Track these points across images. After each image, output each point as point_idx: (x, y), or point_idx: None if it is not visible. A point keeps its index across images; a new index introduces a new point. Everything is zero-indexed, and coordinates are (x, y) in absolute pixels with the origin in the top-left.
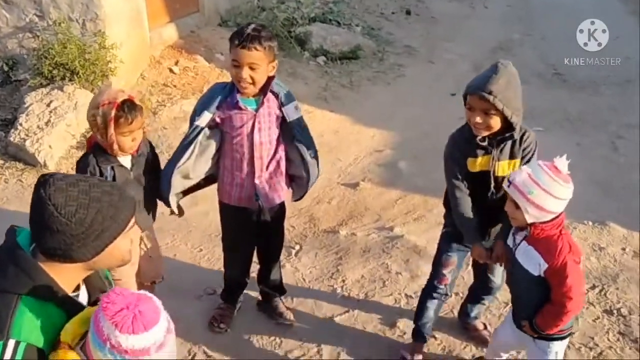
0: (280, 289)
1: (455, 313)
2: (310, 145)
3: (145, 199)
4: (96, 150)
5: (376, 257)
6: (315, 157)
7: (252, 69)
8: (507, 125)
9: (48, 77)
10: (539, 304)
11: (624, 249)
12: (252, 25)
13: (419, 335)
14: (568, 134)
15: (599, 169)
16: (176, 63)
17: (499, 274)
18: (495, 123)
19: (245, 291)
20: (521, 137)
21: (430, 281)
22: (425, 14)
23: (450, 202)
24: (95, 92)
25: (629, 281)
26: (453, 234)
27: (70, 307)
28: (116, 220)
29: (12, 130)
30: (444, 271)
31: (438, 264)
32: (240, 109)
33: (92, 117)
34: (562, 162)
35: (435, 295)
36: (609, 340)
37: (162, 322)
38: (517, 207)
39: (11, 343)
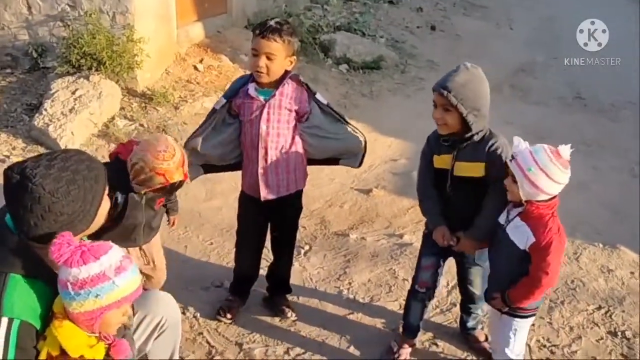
0: (285, 286)
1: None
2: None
3: (152, 222)
4: (116, 168)
5: (384, 263)
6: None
7: (269, 59)
8: (467, 126)
9: (75, 66)
10: (516, 279)
11: (632, 273)
12: (276, 19)
13: (407, 331)
14: (585, 157)
15: (614, 193)
16: (201, 61)
17: (477, 285)
18: (453, 120)
19: (254, 287)
20: (487, 141)
21: (412, 284)
22: (450, 31)
23: (418, 193)
24: (122, 85)
25: (635, 305)
26: (430, 235)
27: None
28: (98, 182)
29: (37, 114)
30: (423, 275)
31: (418, 268)
32: (252, 98)
33: (141, 162)
34: (565, 149)
35: (417, 298)
36: None
37: (114, 251)
38: (514, 180)
39: (4, 320)
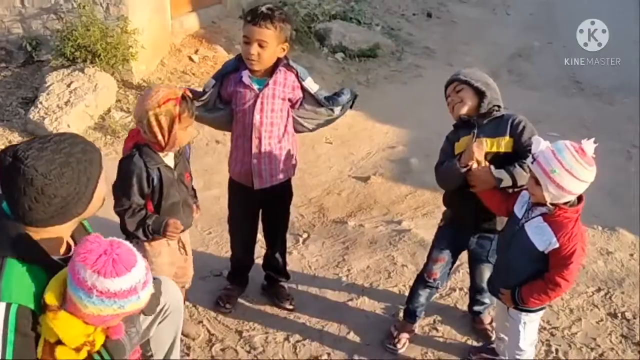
0: (283, 273)
1: (459, 307)
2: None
3: (187, 198)
4: (141, 151)
5: (383, 249)
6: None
7: (261, 46)
8: (481, 101)
9: (70, 59)
10: (528, 278)
11: (631, 255)
12: (268, 5)
13: (408, 316)
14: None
15: (612, 176)
16: (196, 52)
17: (485, 277)
18: (467, 94)
19: (252, 274)
20: (508, 118)
21: (422, 273)
22: (446, 17)
23: (438, 179)
24: (118, 77)
25: (634, 286)
26: (447, 230)
27: (57, 269)
28: (93, 165)
29: (32, 108)
30: (433, 266)
31: (429, 258)
32: (245, 86)
33: (153, 119)
34: (589, 145)
35: (425, 285)
36: (611, 342)
37: (140, 262)
38: (537, 183)
39: (2, 306)
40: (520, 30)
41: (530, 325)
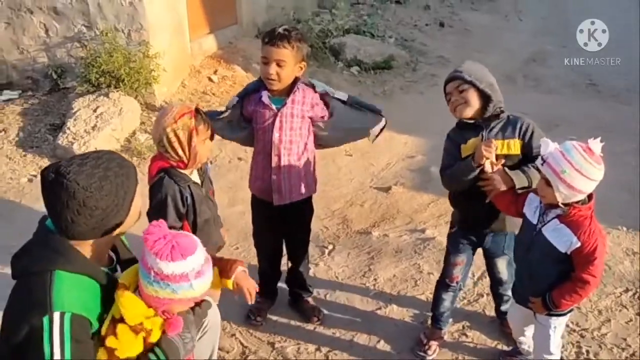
0: (304, 288)
1: (487, 312)
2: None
3: (216, 214)
4: (169, 173)
5: (408, 258)
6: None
7: (279, 66)
8: (486, 104)
9: (95, 85)
10: (555, 282)
11: None
12: (284, 26)
13: (435, 322)
14: (605, 142)
15: (632, 176)
16: (215, 72)
17: (504, 271)
18: (471, 96)
19: (281, 287)
20: (516, 121)
21: (442, 279)
22: (459, 26)
23: (446, 182)
24: (141, 101)
25: None
26: (460, 233)
27: (103, 278)
28: (129, 178)
29: (60, 134)
30: (454, 270)
31: (448, 263)
32: (265, 106)
33: (172, 134)
34: (596, 144)
35: (447, 289)
36: None
37: (199, 252)
38: (548, 184)
39: (57, 315)
40: (533, 35)
41: (559, 329)
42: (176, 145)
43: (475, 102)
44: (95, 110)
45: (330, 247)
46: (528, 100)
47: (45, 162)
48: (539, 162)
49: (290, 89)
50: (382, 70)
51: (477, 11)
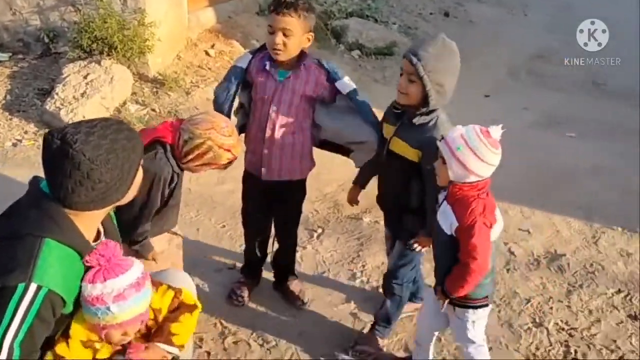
0: (289, 271)
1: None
2: (370, 110)
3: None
4: (165, 150)
5: None
6: (377, 120)
7: (285, 35)
8: (426, 101)
9: (87, 51)
10: (450, 268)
11: None
12: None
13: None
14: (604, 141)
15: (630, 176)
16: (212, 46)
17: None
18: (415, 91)
19: (266, 269)
20: (427, 131)
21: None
22: (464, 17)
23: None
24: (134, 70)
25: None
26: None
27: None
28: (135, 151)
29: (49, 99)
30: None
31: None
32: (267, 75)
33: (205, 148)
34: (496, 129)
35: None
36: (631, 344)
37: (127, 275)
38: (444, 162)
39: (33, 287)
40: (539, 30)
41: (478, 322)
42: (196, 153)
43: (416, 97)
44: (85, 77)
45: (320, 230)
46: (532, 96)
47: (31, 127)
48: (439, 140)
49: (296, 64)
50: (384, 56)
51: (482, 3)
